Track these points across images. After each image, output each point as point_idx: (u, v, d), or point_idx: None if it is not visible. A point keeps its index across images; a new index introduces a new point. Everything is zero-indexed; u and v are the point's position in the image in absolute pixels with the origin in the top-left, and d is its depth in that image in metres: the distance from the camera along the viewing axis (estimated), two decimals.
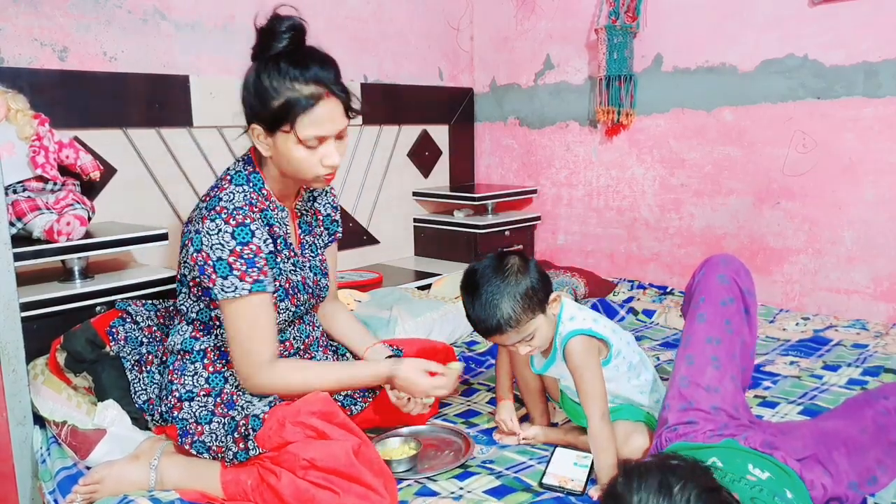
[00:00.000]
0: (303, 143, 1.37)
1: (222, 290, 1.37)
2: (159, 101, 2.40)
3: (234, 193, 1.41)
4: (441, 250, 3.28)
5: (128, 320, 1.68)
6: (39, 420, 1.62)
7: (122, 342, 1.63)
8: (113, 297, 1.95)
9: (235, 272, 1.36)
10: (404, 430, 1.67)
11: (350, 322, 1.76)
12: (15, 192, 1.91)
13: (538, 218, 3.35)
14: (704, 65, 2.75)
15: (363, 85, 3.04)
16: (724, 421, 1.33)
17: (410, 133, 3.30)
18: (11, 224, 1.83)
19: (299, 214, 1.62)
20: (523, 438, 1.62)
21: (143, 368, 1.59)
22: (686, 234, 2.90)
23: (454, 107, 3.47)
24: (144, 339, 1.64)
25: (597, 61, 2.98)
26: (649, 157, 2.96)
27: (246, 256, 1.37)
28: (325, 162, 1.40)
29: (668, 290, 2.85)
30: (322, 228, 1.71)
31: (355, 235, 3.13)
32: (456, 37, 3.46)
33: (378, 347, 1.69)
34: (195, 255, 1.39)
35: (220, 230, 1.36)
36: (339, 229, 1.76)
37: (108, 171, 2.30)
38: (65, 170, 2.05)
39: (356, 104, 1.43)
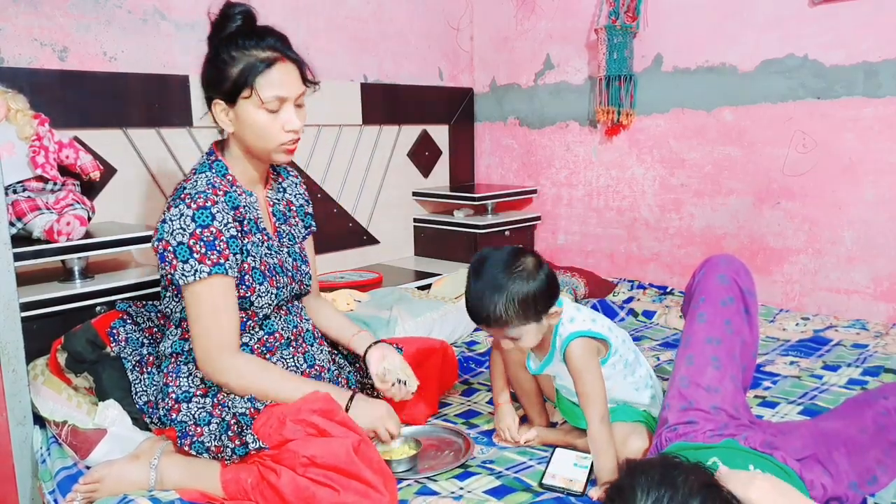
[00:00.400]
0: (264, 105, 1.42)
1: (182, 274, 1.40)
2: (159, 101, 2.40)
3: (196, 181, 1.45)
4: (441, 250, 3.28)
5: (128, 321, 1.68)
6: (39, 420, 1.62)
7: (122, 343, 1.63)
8: (113, 297, 1.95)
9: (195, 255, 1.39)
10: (404, 430, 1.66)
11: (334, 314, 1.77)
12: (15, 192, 1.91)
13: (538, 218, 3.35)
14: (704, 65, 2.75)
15: (363, 85, 3.04)
16: (724, 421, 1.33)
17: (410, 133, 3.30)
18: (11, 224, 1.83)
19: (272, 203, 1.63)
20: (526, 442, 1.61)
21: (144, 369, 1.59)
22: (686, 234, 2.90)
23: (454, 107, 3.47)
24: (145, 341, 1.64)
25: (597, 61, 2.98)
26: (649, 157, 2.96)
27: (206, 239, 1.39)
28: (286, 126, 1.45)
29: (668, 290, 2.85)
30: (297, 219, 1.72)
31: (355, 235, 3.13)
32: (456, 37, 3.46)
33: (363, 335, 1.70)
34: (157, 244, 1.42)
35: (182, 215, 1.39)
36: (314, 223, 1.78)
37: (108, 171, 2.30)
38: (65, 170, 2.06)
39: (311, 73, 1.50)
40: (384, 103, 3.13)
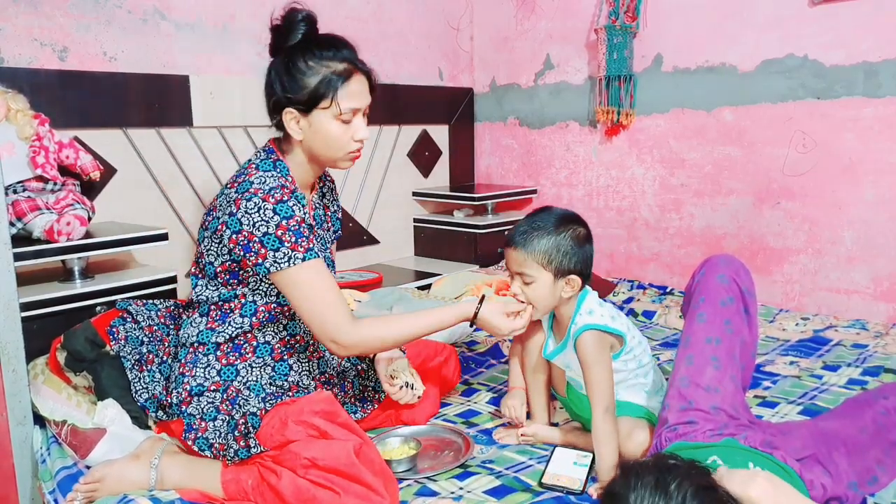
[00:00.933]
0: (340, 116, 1.44)
1: (275, 262, 1.39)
2: (159, 101, 2.40)
3: (264, 178, 1.44)
4: (441, 250, 3.28)
5: (128, 320, 1.68)
6: (39, 420, 1.62)
7: (122, 341, 1.63)
8: (113, 297, 1.95)
9: (286, 244, 1.39)
10: (404, 430, 1.67)
11: None
12: (15, 192, 1.91)
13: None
14: (704, 65, 2.75)
15: None
16: (724, 421, 1.34)
17: (410, 133, 3.30)
18: (11, 224, 1.83)
19: (314, 207, 1.65)
20: (522, 434, 1.62)
21: (144, 367, 1.59)
22: (686, 235, 2.90)
23: (454, 107, 3.47)
24: (145, 339, 1.64)
25: (597, 61, 2.98)
26: (649, 157, 2.96)
27: (293, 229, 1.40)
28: (356, 136, 1.48)
29: (668, 290, 2.84)
30: (330, 224, 1.74)
31: (355, 235, 3.13)
32: (456, 37, 3.46)
33: None
34: (235, 236, 1.41)
35: (259, 208, 1.39)
36: (340, 229, 1.81)
37: (108, 171, 2.30)
38: (65, 170, 2.06)
39: (377, 81, 1.54)
40: (384, 103, 3.13)
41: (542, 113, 3.31)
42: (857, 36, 2.38)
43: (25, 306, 1.74)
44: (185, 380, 1.49)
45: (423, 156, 3.38)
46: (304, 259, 1.40)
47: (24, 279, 1.87)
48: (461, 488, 1.42)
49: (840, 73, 2.43)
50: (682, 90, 2.82)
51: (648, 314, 2.57)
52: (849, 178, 2.46)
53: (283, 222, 1.39)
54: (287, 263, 1.39)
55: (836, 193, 2.50)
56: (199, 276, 1.53)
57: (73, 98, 2.19)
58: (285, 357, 1.56)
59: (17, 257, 1.65)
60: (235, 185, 1.44)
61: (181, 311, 1.68)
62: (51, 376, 1.66)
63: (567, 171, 3.26)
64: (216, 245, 1.47)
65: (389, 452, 1.54)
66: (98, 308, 1.92)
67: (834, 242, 2.53)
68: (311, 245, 1.42)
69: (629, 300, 2.73)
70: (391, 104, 3.16)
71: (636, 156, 3.00)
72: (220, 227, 1.44)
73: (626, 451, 1.45)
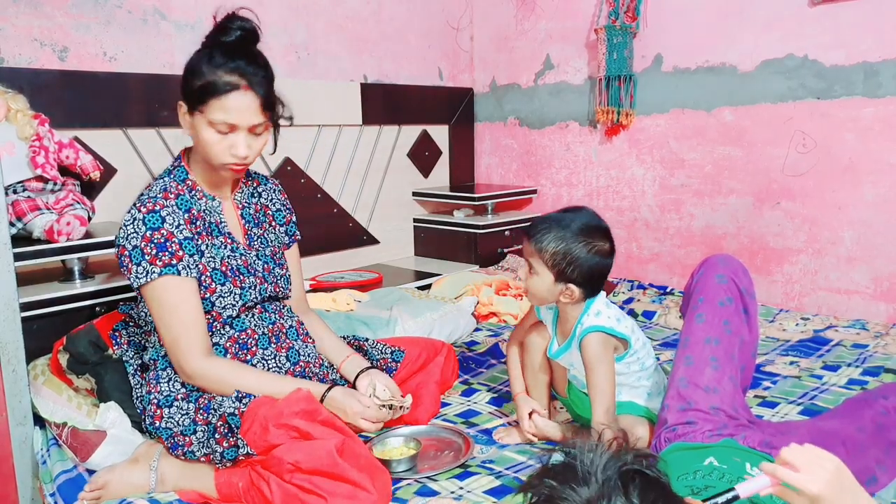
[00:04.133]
0: (212, 125, 1.42)
1: (136, 277, 1.42)
2: (159, 101, 2.40)
3: (153, 186, 1.49)
4: (441, 250, 3.28)
5: (131, 324, 1.68)
6: (40, 421, 1.62)
7: (125, 346, 1.63)
8: (113, 298, 1.95)
9: (146, 256, 1.41)
10: (404, 430, 1.67)
11: (325, 333, 1.75)
12: (15, 192, 1.92)
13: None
14: (704, 65, 2.75)
15: (363, 85, 3.04)
16: (723, 421, 1.34)
17: (410, 133, 3.30)
18: (11, 224, 1.83)
19: (240, 206, 1.63)
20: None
21: (145, 374, 1.58)
22: (686, 235, 2.90)
23: (454, 107, 3.47)
24: (147, 344, 1.64)
25: (596, 61, 2.98)
26: (649, 157, 2.96)
27: (156, 241, 1.42)
28: (231, 151, 1.45)
29: (668, 290, 2.84)
30: (274, 224, 1.71)
31: (355, 235, 3.13)
32: (456, 37, 3.47)
33: (353, 359, 1.69)
34: (116, 251, 1.45)
35: (134, 219, 1.42)
36: (297, 231, 1.77)
37: (108, 171, 2.30)
38: (65, 170, 2.06)
39: (281, 109, 1.51)
40: (384, 103, 3.13)
41: (542, 113, 3.31)
42: (857, 36, 2.38)
43: (25, 306, 1.74)
44: (152, 396, 1.49)
45: (423, 156, 3.38)
46: (160, 273, 1.41)
47: (24, 279, 1.87)
48: (461, 488, 1.42)
49: (840, 73, 2.43)
50: (682, 90, 2.82)
51: (648, 314, 2.57)
52: (849, 178, 2.46)
53: (149, 233, 1.41)
54: (146, 277, 1.41)
55: (836, 193, 2.50)
56: (137, 295, 1.56)
57: (73, 98, 2.20)
58: (247, 356, 1.54)
59: (17, 257, 1.65)
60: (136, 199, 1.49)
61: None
62: (51, 377, 1.66)
63: (567, 171, 3.26)
64: None
65: (389, 452, 1.54)
66: (98, 309, 1.92)
67: (834, 242, 2.53)
68: (173, 261, 1.42)
69: (629, 300, 2.73)
70: (391, 104, 3.16)
71: (636, 156, 3.00)
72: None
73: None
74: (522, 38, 3.33)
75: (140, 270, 1.41)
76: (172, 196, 1.47)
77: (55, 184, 1.98)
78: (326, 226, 3.00)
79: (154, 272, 1.41)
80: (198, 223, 1.50)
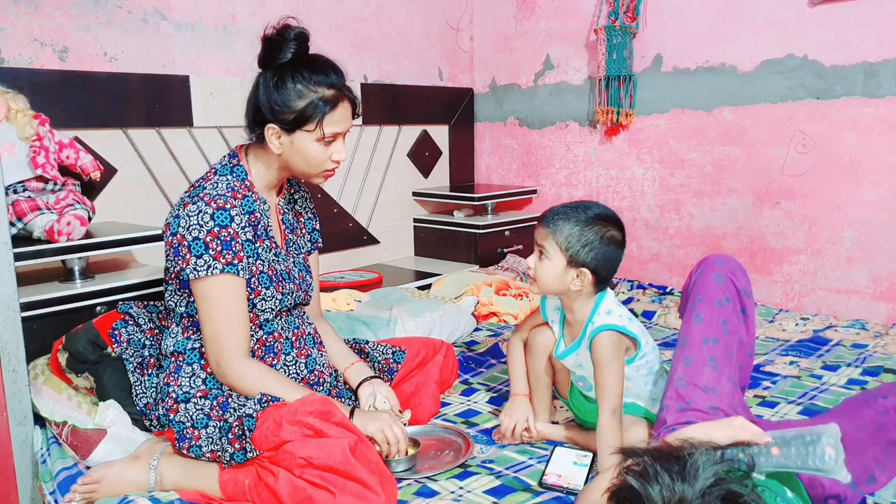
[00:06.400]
0: (323, 139, 1.48)
1: (195, 269, 1.41)
2: (159, 101, 2.40)
3: (217, 182, 1.48)
4: (441, 250, 3.28)
5: (130, 322, 1.68)
6: (40, 420, 1.62)
7: (124, 344, 1.63)
8: (113, 298, 1.95)
9: (210, 251, 1.41)
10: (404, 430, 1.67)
11: (334, 340, 1.75)
12: (15, 192, 1.92)
13: (539, 218, 3.35)
14: (704, 65, 2.75)
15: (363, 85, 3.04)
16: None
17: (410, 133, 3.30)
18: (12, 224, 1.83)
19: (282, 212, 1.65)
20: (526, 430, 1.61)
21: (145, 371, 1.59)
22: (686, 234, 2.90)
23: (454, 107, 3.48)
24: (147, 342, 1.64)
25: (596, 61, 2.98)
26: (649, 157, 2.96)
27: (223, 238, 1.42)
28: (334, 157, 1.52)
29: (667, 290, 2.85)
30: (304, 231, 1.74)
31: (355, 235, 3.13)
32: (456, 37, 3.47)
33: (358, 367, 1.69)
34: (170, 238, 1.44)
35: (200, 212, 1.42)
36: (320, 239, 1.80)
37: (108, 171, 2.30)
38: (65, 170, 2.06)
39: (360, 107, 1.57)
40: (384, 103, 3.13)
41: (542, 113, 3.32)
42: (857, 36, 2.38)
43: (25, 306, 1.74)
44: (171, 389, 1.49)
45: (423, 156, 3.38)
46: (222, 270, 1.41)
47: (24, 279, 1.87)
48: (461, 488, 1.42)
49: (840, 73, 2.43)
50: (682, 90, 2.82)
51: (648, 314, 2.57)
52: (849, 178, 2.46)
53: (216, 229, 1.42)
54: (206, 271, 1.41)
55: (836, 193, 2.50)
56: (169, 282, 1.55)
57: (73, 98, 2.20)
58: (270, 361, 1.55)
59: (17, 257, 1.65)
60: (192, 189, 1.48)
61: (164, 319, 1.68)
62: (51, 377, 1.66)
63: (567, 172, 3.26)
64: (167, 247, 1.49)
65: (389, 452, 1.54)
66: (98, 308, 1.92)
67: (834, 242, 2.53)
68: (235, 260, 1.43)
69: (629, 300, 2.73)
70: (391, 104, 3.16)
71: (636, 156, 3.00)
72: (165, 229, 1.47)
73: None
74: (522, 38, 3.34)
75: (200, 263, 1.41)
76: (239, 196, 1.48)
77: (55, 184, 1.98)
78: (326, 226, 2.97)
79: (216, 268, 1.41)
80: (257, 227, 1.52)
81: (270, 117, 1.47)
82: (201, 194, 1.44)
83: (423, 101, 3.31)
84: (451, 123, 3.48)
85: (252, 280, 1.49)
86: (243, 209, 1.48)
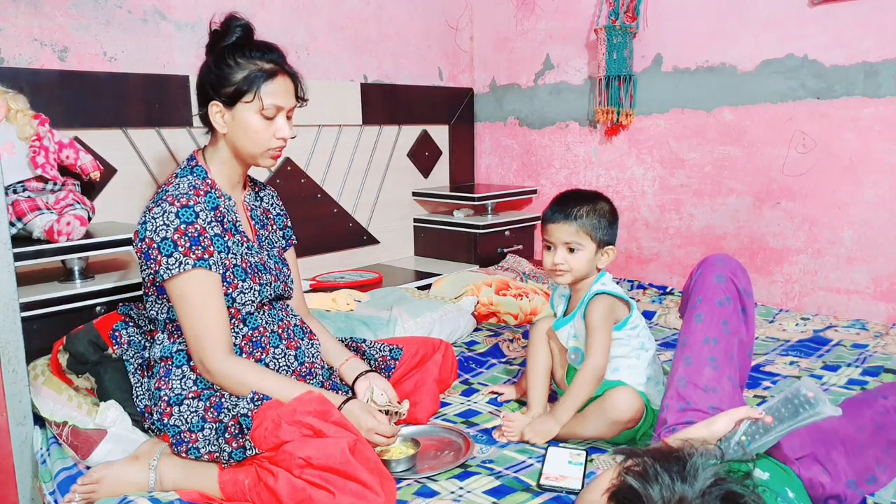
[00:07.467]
0: (262, 111, 1.50)
1: (167, 268, 1.43)
2: (159, 101, 2.40)
3: (179, 183, 1.51)
4: (441, 250, 3.28)
5: (130, 324, 1.68)
6: (39, 420, 1.62)
7: (125, 346, 1.63)
8: (113, 298, 1.95)
9: (180, 248, 1.43)
10: (404, 429, 1.66)
11: (325, 337, 1.75)
12: (15, 192, 1.92)
13: (538, 218, 3.35)
14: (704, 65, 2.75)
15: (363, 85, 3.04)
16: None
17: (410, 133, 3.30)
18: (11, 224, 1.83)
19: (249, 207, 1.67)
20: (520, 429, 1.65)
21: (145, 373, 1.59)
22: (686, 234, 2.90)
23: (454, 107, 3.47)
24: (147, 344, 1.64)
25: (596, 61, 2.98)
26: (649, 157, 2.96)
27: (190, 234, 1.44)
28: (277, 134, 1.54)
29: (668, 290, 2.85)
30: (275, 227, 1.75)
31: (355, 235, 3.13)
32: (456, 37, 3.47)
33: (352, 363, 1.69)
34: (140, 245, 1.46)
35: (164, 212, 1.44)
36: (293, 235, 1.81)
37: (108, 171, 2.30)
38: (65, 170, 2.06)
39: (303, 90, 1.61)
40: (384, 103, 3.13)
41: (542, 113, 3.32)
42: (857, 36, 2.38)
43: (25, 306, 1.74)
44: (162, 393, 1.49)
45: (423, 156, 3.38)
46: (194, 265, 1.42)
47: (24, 279, 1.87)
48: (461, 488, 1.42)
49: (840, 73, 2.43)
50: (682, 90, 2.82)
51: (648, 314, 2.57)
52: (849, 178, 2.46)
53: (183, 226, 1.43)
54: (178, 268, 1.42)
55: (836, 193, 2.50)
56: (148, 293, 1.56)
57: (73, 98, 2.20)
58: (259, 355, 1.54)
59: (17, 257, 1.65)
60: (155, 194, 1.51)
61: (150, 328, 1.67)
62: (51, 377, 1.66)
63: (567, 172, 3.26)
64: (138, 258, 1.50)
65: (389, 452, 1.54)
66: (98, 309, 1.92)
67: (834, 242, 2.53)
68: (205, 255, 1.44)
69: None
70: (391, 104, 3.16)
71: (636, 156, 3.00)
72: (134, 237, 1.48)
73: (617, 414, 1.52)
74: (522, 38, 3.34)
75: (172, 261, 1.42)
76: (202, 193, 1.51)
77: (55, 184, 1.98)
78: (327, 226, 3.00)
79: (188, 263, 1.42)
80: (223, 221, 1.54)
81: (212, 93, 1.52)
82: (165, 196, 1.47)
83: (423, 101, 3.31)
84: (451, 123, 3.47)
85: (227, 274, 1.51)
86: (207, 205, 1.50)
